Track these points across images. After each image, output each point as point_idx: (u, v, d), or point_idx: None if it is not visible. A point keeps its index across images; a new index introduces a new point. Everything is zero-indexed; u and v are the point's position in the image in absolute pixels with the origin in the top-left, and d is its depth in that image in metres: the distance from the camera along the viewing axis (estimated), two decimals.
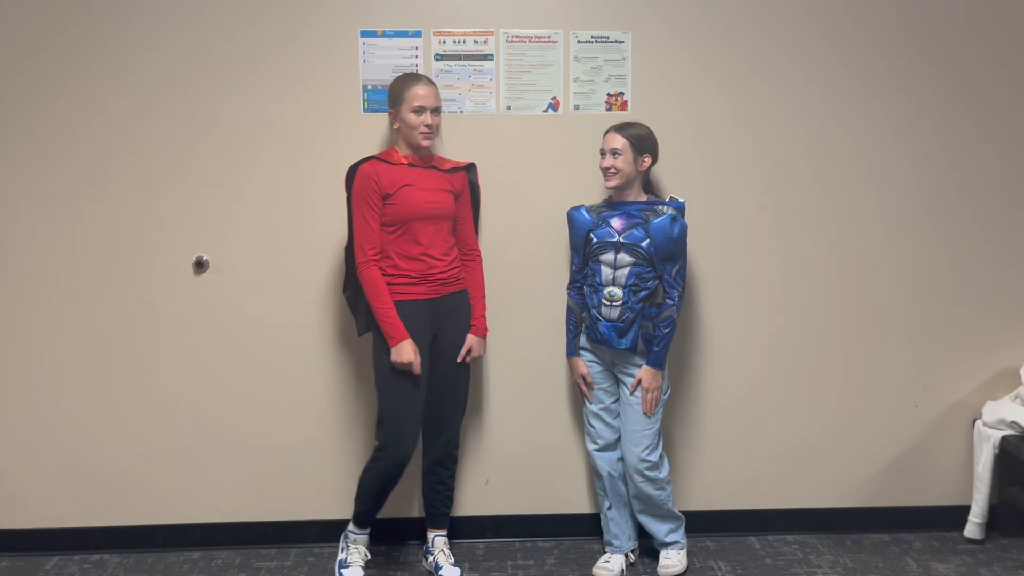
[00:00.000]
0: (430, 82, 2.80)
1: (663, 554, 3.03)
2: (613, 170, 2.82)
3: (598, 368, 2.98)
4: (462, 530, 3.23)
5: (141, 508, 3.17)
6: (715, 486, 3.26)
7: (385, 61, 2.99)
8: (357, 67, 2.99)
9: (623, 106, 3.06)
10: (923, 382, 3.24)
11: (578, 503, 3.25)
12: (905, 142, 3.12)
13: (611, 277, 2.84)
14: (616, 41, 3.03)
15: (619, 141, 2.81)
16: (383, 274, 2.79)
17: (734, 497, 3.27)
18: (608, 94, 3.06)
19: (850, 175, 3.13)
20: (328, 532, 3.15)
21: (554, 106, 3.05)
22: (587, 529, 3.23)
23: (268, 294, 3.08)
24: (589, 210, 2.92)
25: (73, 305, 3.06)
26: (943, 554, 3.13)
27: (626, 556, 3.05)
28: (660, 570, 2.99)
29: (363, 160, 2.79)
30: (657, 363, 2.87)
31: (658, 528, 3.01)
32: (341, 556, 2.97)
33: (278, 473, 3.18)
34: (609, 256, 2.84)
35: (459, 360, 2.93)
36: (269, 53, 2.98)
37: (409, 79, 2.79)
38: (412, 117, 2.74)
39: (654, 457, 2.92)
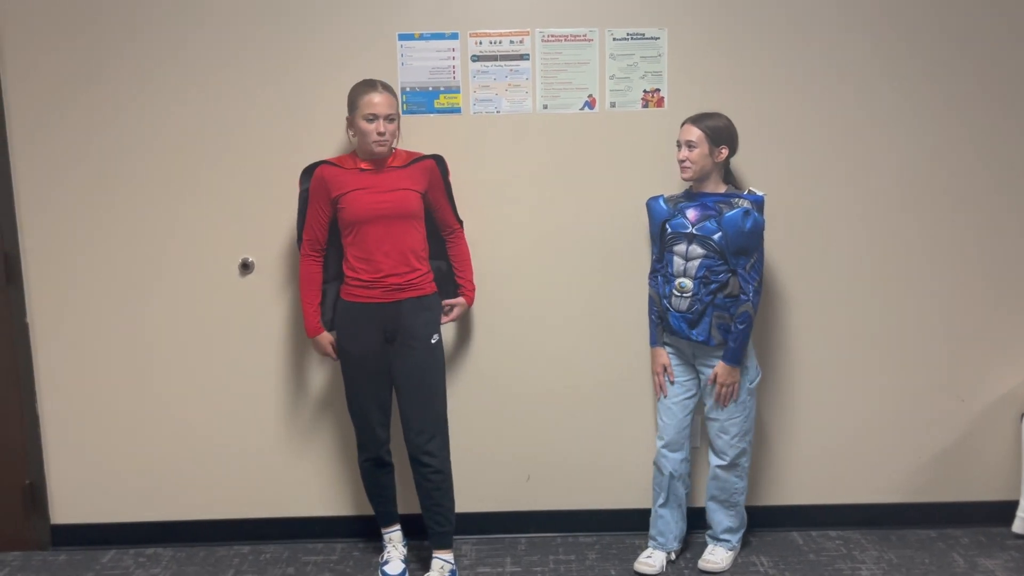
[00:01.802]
0: (385, 88, 2.77)
1: (710, 548, 3.04)
2: (688, 163, 2.80)
3: (676, 361, 2.98)
4: (503, 525, 3.26)
5: (192, 503, 3.26)
6: (756, 481, 3.25)
7: (423, 63, 3.03)
8: (395, 69, 3.03)
9: (659, 103, 3.06)
10: (968, 375, 3.20)
11: (620, 499, 3.26)
12: (940, 135, 3.07)
13: (682, 268, 2.84)
14: (652, 38, 3.03)
15: (695, 133, 2.79)
16: (346, 275, 2.85)
17: (776, 492, 3.26)
18: (644, 91, 3.06)
19: (886, 169, 3.10)
20: (373, 527, 3.21)
21: (590, 104, 3.07)
22: (629, 524, 3.24)
23: None
24: (667, 200, 2.91)
25: (124, 307, 3.15)
26: (990, 549, 3.09)
27: (668, 555, 3.05)
28: (702, 564, 3.00)
29: (320, 163, 2.84)
30: (733, 359, 2.85)
31: (720, 519, 3.01)
32: (381, 557, 3.04)
33: (325, 469, 3.25)
34: (681, 247, 2.84)
35: (445, 319, 2.98)
36: (310, 57, 3.03)
37: (363, 86, 2.78)
38: (364, 124, 2.74)
39: (743, 444, 2.93)
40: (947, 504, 3.25)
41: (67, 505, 3.26)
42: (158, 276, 3.14)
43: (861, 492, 3.26)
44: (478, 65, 3.05)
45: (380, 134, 2.74)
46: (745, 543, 3.16)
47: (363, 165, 2.82)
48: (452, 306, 3.01)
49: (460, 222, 3.00)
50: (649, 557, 3.01)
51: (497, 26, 3.03)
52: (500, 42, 3.04)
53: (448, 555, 2.95)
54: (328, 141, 3.05)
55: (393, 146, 2.83)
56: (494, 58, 3.04)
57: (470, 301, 3.05)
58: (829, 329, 3.18)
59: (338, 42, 3.02)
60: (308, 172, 2.87)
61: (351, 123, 2.80)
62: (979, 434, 3.22)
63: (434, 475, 2.88)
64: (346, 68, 3.02)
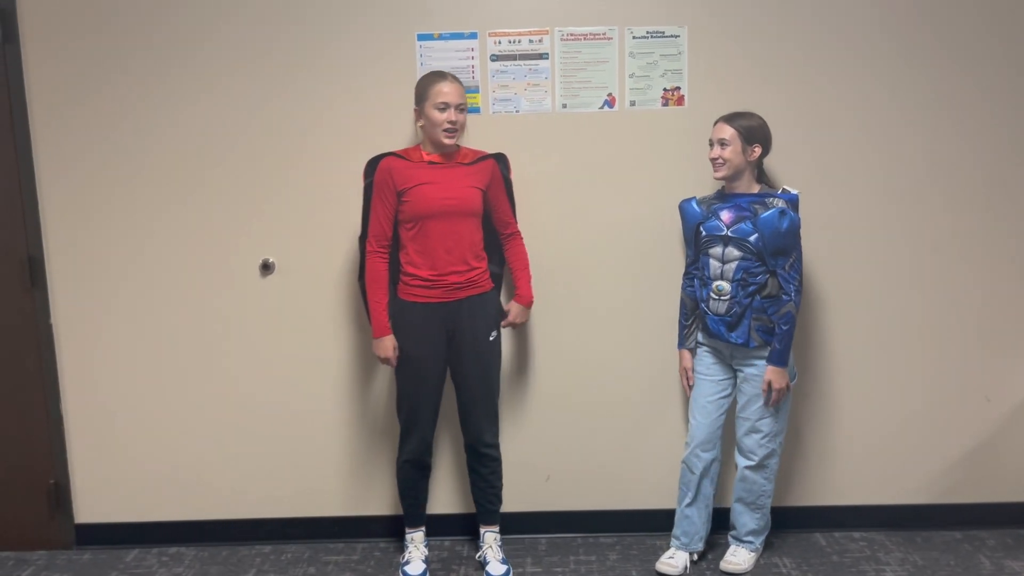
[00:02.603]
0: (455, 79, 2.80)
1: (732, 549, 3.02)
2: (720, 160, 2.78)
3: (712, 360, 2.95)
4: (524, 525, 3.26)
5: (215, 503, 3.28)
6: (779, 482, 3.21)
7: (442, 63, 3.03)
8: (414, 70, 3.03)
9: (679, 101, 3.04)
10: (994, 374, 3.16)
11: (642, 499, 3.25)
12: (969, 132, 3.04)
13: (719, 271, 2.82)
14: (672, 36, 3.01)
15: (727, 131, 2.77)
16: (403, 272, 2.84)
17: (799, 493, 3.23)
18: (664, 89, 3.04)
19: (916, 166, 3.06)
20: (394, 527, 3.22)
21: (610, 103, 3.05)
22: (650, 525, 3.23)
23: (332, 294, 3.15)
24: (700, 202, 2.89)
25: (147, 308, 3.17)
26: (1017, 551, 3.05)
27: (690, 555, 3.03)
28: (723, 565, 2.98)
29: (385, 154, 2.83)
30: (780, 361, 2.82)
31: (744, 521, 2.99)
32: (402, 556, 3.05)
33: (345, 469, 3.26)
34: (717, 250, 2.82)
35: (503, 325, 2.97)
36: (329, 57, 3.03)
37: (434, 76, 2.80)
38: (436, 114, 2.75)
39: (773, 444, 2.91)
40: (973, 505, 3.21)
41: (91, 504, 3.28)
42: (180, 277, 3.16)
43: (886, 493, 3.23)
44: (497, 65, 3.04)
45: (452, 123, 2.76)
46: (768, 544, 3.14)
47: (429, 158, 2.82)
48: (509, 309, 3.01)
49: (516, 222, 3.01)
50: (671, 558, 2.99)
51: (516, 25, 3.02)
52: (519, 41, 3.03)
53: (496, 528, 3.08)
54: (346, 140, 3.06)
55: (460, 140, 2.84)
56: (513, 57, 3.04)
57: (527, 302, 3.03)
58: (855, 330, 3.15)
59: (357, 42, 3.03)
60: (372, 165, 2.85)
61: (420, 114, 2.80)
62: (1006, 434, 3.18)
63: (492, 463, 3.01)
64: (365, 68, 3.03)
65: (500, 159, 2.93)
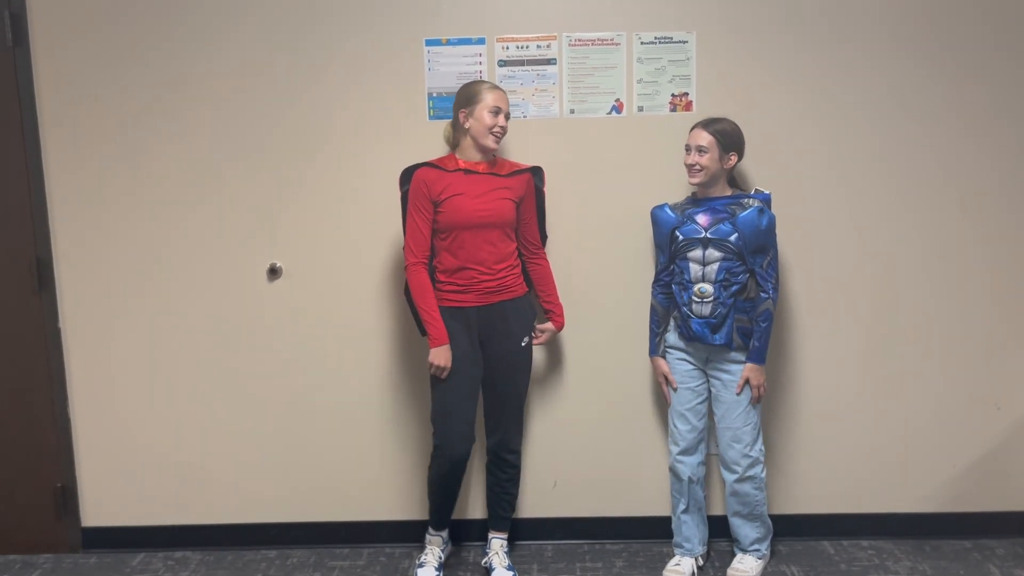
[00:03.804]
0: (502, 88, 2.86)
1: (738, 557, 3.00)
2: (698, 167, 2.79)
3: (689, 366, 2.95)
4: (530, 531, 3.25)
5: (222, 507, 3.28)
6: (788, 489, 3.21)
7: (449, 69, 3.03)
8: (422, 75, 3.04)
9: (688, 106, 3.04)
10: (1005, 382, 3.13)
11: (647, 506, 3.23)
12: (982, 139, 3.03)
13: (700, 273, 2.82)
14: (680, 41, 3.01)
15: (705, 138, 2.78)
16: (436, 279, 2.84)
17: (807, 501, 3.22)
18: (672, 95, 3.04)
19: (926, 174, 3.05)
20: (400, 532, 3.22)
21: (617, 108, 3.05)
22: (656, 532, 3.21)
23: (338, 298, 3.15)
24: (673, 208, 2.90)
25: (155, 312, 3.18)
26: None
27: (695, 560, 3.02)
28: (731, 572, 2.96)
29: (420, 164, 2.83)
30: (760, 358, 2.84)
31: (746, 532, 2.98)
32: (418, 558, 3.04)
33: (351, 473, 3.25)
34: (697, 253, 2.82)
35: (535, 342, 2.98)
36: (335, 63, 3.04)
37: (484, 83, 2.82)
38: (489, 118, 2.77)
39: (755, 452, 2.90)
40: (983, 514, 3.19)
41: (98, 508, 3.29)
42: (188, 281, 3.16)
43: (895, 501, 3.20)
44: (505, 70, 3.04)
45: (502, 128, 2.79)
46: (775, 552, 3.12)
47: (465, 165, 2.83)
48: (542, 331, 3.01)
49: (544, 238, 3.00)
50: (678, 564, 2.98)
51: (524, 31, 3.02)
52: (527, 47, 3.03)
53: (505, 535, 3.09)
54: (353, 145, 3.06)
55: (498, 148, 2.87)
56: (521, 63, 3.04)
57: (560, 326, 3.04)
58: (866, 336, 3.13)
59: (366, 47, 3.03)
60: (408, 174, 2.85)
61: (467, 116, 2.80)
62: (1017, 443, 3.15)
63: (512, 469, 3.02)
64: (373, 72, 3.03)
65: (536, 172, 2.94)
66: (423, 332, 2.92)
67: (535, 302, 3.04)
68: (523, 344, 2.93)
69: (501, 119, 2.78)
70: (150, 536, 3.29)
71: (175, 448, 3.25)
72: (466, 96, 2.81)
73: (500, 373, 2.92)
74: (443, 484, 2.94)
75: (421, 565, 3.00)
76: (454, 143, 2.89)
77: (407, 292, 2.91)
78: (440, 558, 3.04)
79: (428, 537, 3.06)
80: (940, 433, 3.17)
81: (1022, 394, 3.13)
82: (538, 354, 3.16)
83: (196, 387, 3.22)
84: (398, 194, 2.96)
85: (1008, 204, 3.06)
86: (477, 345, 2.88)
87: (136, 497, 3.27)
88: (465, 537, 3.25)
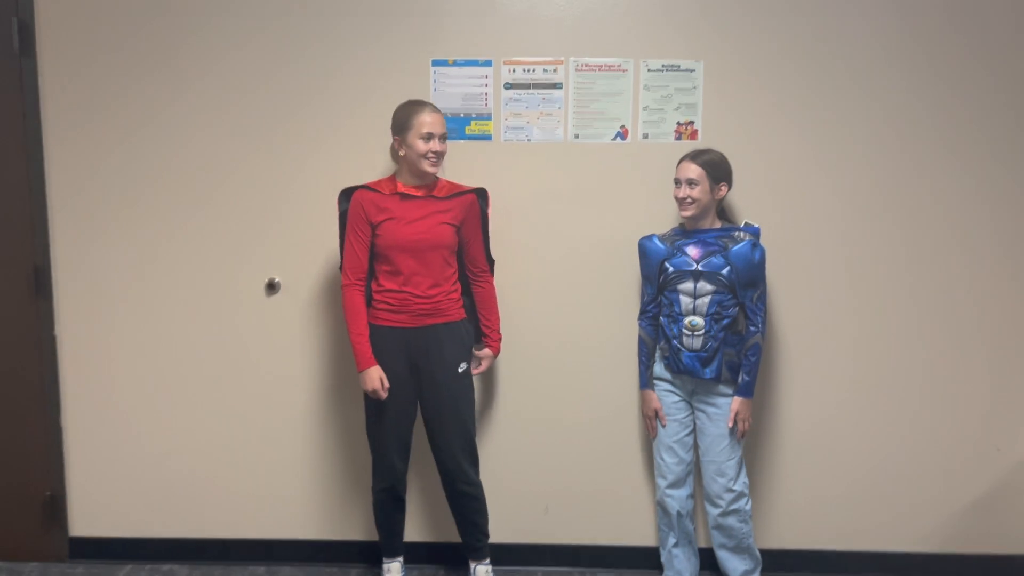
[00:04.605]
0: (435, 109, 2.78)
1: None
2: (689, 200, 2.78)
3: (675, 399, 2.93)
4: (520, 557, 3.22)
5: (210, 521, 3.25)
6: (782, 524, 3.17)
7: (456, 90, 3.03)
8: (428, 95, 3.03)
9: (693, 135, 3.02)
10: (1006, 424, 3.10)
11: (639, 535, 3.20)
12: (984, 174, 3.00)
13: (691, 306, 2.80)
14: (687, 70, 2.99)
15: (695, 171, 2.77)
16: (374, 297, 2.82)
17: (800, 536, 3.18)
18: (678, 123, 3.02)
19: (924, 207, 3.03)
20: None
21: (622, 135, 3.04)
22: (648, 562, 3.18)
23: (337, 315, 3.13)
24: (662, 239, 2.88)
25: (151, 323, 3.17)
26: None
27: None
28: None
29: (358, 186, 2.81)
30: (749, 392, 2.82)
31: (734, 566, 2.94)
32: None
33: (343, 492, 3.23)
34: (688, 285, 2.81)
35: (474, 372, 2.93)
36: (344, 79, 3.03)
37: (416, 105, 2.78)
38: (420, 144, 2.73)
39: (739, 486, 2.87)
40: (979, 556, 3.15)
41: (86, 518, 3.27)
42: (185, 294, 3.15)
43: (889, 540, 3.17)
44: (511, 93, 3.03)
45: (435, 153, 2.74)
46: None
47: (403, 189, 2.80)
48: (481, 358, 2.97)
49: (491, 263, 2.95)
50: None
51: (531, 54, 3.01)
52: (534, 70, 3.02)
53: (487, 561, 3.01)
54: (360, 164, 3.05)
55: (438, 171, 2.82)
56: (527, 86, 3.03)
57: (496, 351, 3.00)
58: (865, 371, 3.10)
59: (372, 66, 3.03)
60: (346, 194, 2.84)
61: (400, 143, 2.78)
62: (1015, 485, 3.12)
63: (472, 501, 2.94)
64: (379, 92, 3.02)
65: (480, 194, 2.90)
66: None
67: (474, 327, 2.97)
68: (460, 370, 2.87)
69: (435, 144, 2.73)
70: (138, 548, 3.27)
71: (167, 460, 3.23)
72: (398, 122, 2.78)
73: (439, 401, 2.85)
74: (381, 509, 2.95)
75: None
76: (394, 165, 2.86)
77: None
78: None
79: (384, 565, 3.03)
80: (936, 472, 3.13)
81: (1022, 436, 3.10)
82: (533, 379, 3.14)
83: (190, 400, 3.20)
84: (336, 212, 2.93)
85: (1003, 240, 3.03)
86: (411, 369, 2.84)
87: (125, 508, 3.25)
88: (442, 560, 3.21)
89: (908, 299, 3.07)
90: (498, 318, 2.98)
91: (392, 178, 2.84)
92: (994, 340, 3.07)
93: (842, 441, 3.13)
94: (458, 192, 2.85)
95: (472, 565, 3.02)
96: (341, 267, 2.84)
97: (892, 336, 3.09)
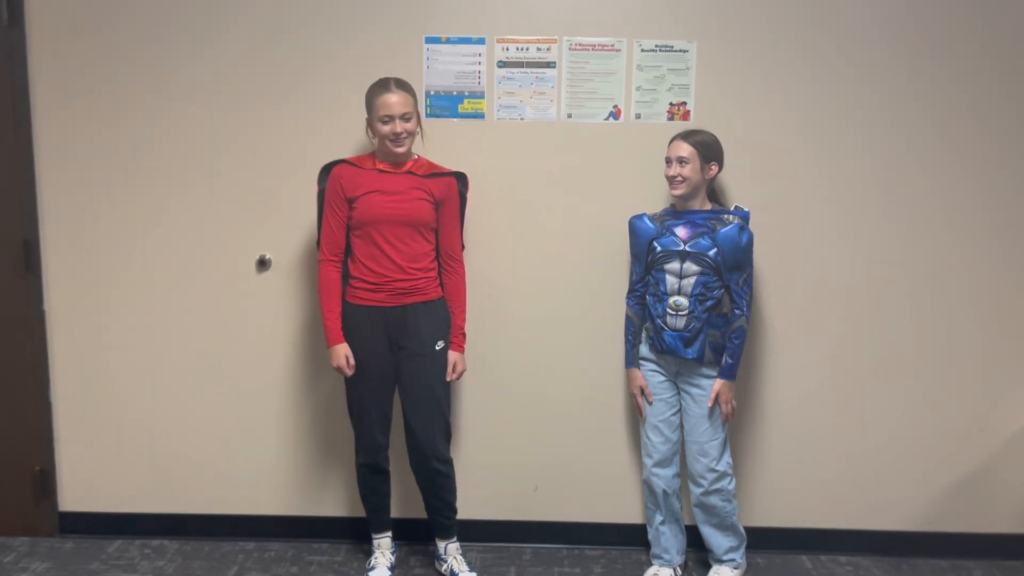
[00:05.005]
0: (399, 86, 2.75)
1: (714, 569, 3.01)
2: (680, 178, 2.79)
3: (661, 378, 2.95)
4: (509, 534, 3.25)
5: (200, 497, 3.26)
6: (767, 502, 3.21)
7: (448, 67, 3.02)
8: (421, 73, 3.02)
9: (685, 116, 3.03)
10: (989, 405, 3.14)
11: (628, 513, 3.23)
12: (975, 158, 3.03)
13: (676, 286, 2.82)
14: (680, 50, 3.00)
15: (686, 149, 2.78)
16: (350, 275, 2.82)
17: (786, 514, 3.22)
18: (671, 103, 3.03)
19: (916, 191, 3.05)
20: None
21: (615, 115, 3.04)
22: (636, 539, 3.21)
23: None
24: (652, 218, 2.90)
25: (141, 299, 3.16)
26: None
27: (674, 570, 3.02)
28: None
29: (336, 162, 2.82)
30: (732, 375, 2.85)
31: (719, 542, 2.98)
32: (368, 562, 3.04)
33: (333, 469, 3.24)
34: (674, 265, 2.82)
35: (448, 380, 2.90)
36: (335, 57, 3.02)
37: (377, 87, 2.76)
38: (380, 127, 2.73)
39: (722, 467, 2.90)
40: (962, 535, 3.20)
41: (76, 493, 3.27)
42: (175, 270, 3.14)
43: (874, 518, 3.21)
44: (504, 71, 3.03)
45: (396, 134, 2.73)
46: (754, 564, 3.13)
47: (381, 166, 2.81)
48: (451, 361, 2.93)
49: (462, 248, 2.94)
50: (656, 574, 2.98)
51: (525, 33, 3.01)
52: (527, 49, 3.02)
53: (455, 539, 3.04)
54: (350, 141, 3.05)
55: (411, 148, 2.81)
56: (520, 65, 3.02)
57: (461, 350, 2.93)
58: (847, 351, 3.13)
59: (364, 43, 3.01)
60: (325, 171, 2.84)
61: (368, 126, 2.80)
62: (998, 465, 3.16)
63: (444, 479, 2.94)
64: (371, 69, 3.01)
65: (460, 178, 2.90)
66: None
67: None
68: (437, 348, 2.87)
69: (396, 125, 2.71)
70: (128, 523, 3.27)
71: (156, 436, 3.23)
72: (367, 104, 2.78)
73: (416, 378, 2.85)
74: (365, 484, 2.97)
75: (372, 568, 2.99)
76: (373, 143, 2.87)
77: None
78: (391, 560, 3.03)
79: (374, 540, 3.04)
80: (921, 453, 3.17)
81: (1006, 417, 3.14)
82: (522, 358, 3.16)
83: (180, 375, 3.20)
84: (316, 190, 2.92)
85: (992, 224, 3.06)
86: (389, 347, 2.84)
87: (115, 483, 3.26)
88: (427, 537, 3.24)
89: (894, 283, 3.10)
90: (464, 312, 2.94)
91: (372, 155, 2.84)
92: (976, 322, 3.11)
93: (827, 421, 3.17)
94: (437, 172, 2.85)
95: (442, 544, 3.03)
96: (318, 243, 2.85)
97: (877, 319, 3.11)
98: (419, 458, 2.90)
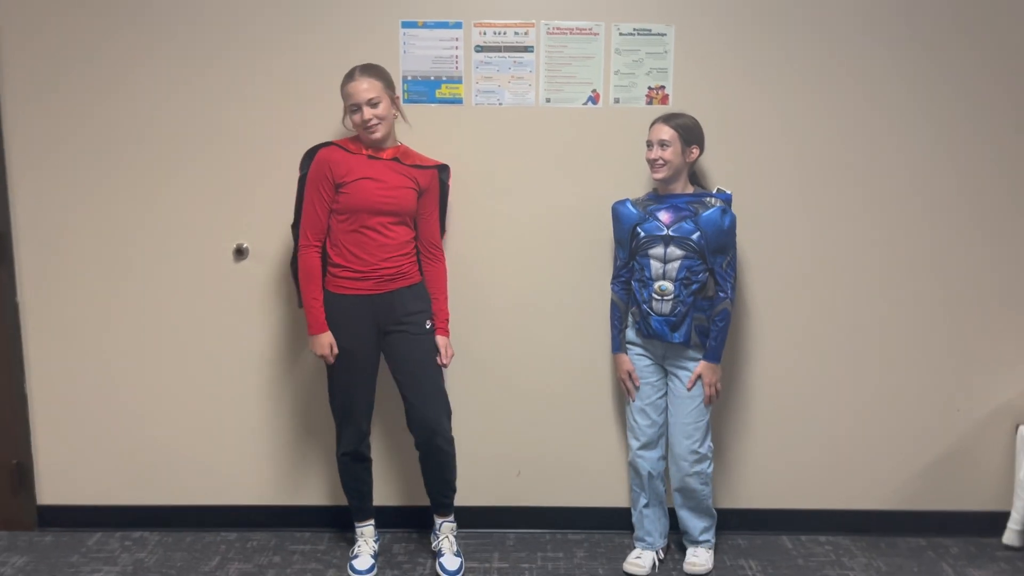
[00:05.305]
0: (364, 72, 2.71)
1: (691, 551, 3.03)
2: (661, 161, 2.79)
3: (647, 362, 2.96)
4: (492, 520, 3.25)
5: (180, 488, 3.24)
6: (748, 484, 3.24)
7: (425, 52, 2.99)
8: (397, 57, 2.99)
9: (664, 99, 3.02)
10: (965, 385, 3.18)
11: (610, 497, 3.25)
12: (950, 142, 3.04)
13: (661, 271, 2.82)
14: (658, 34, 2.98)
15: (667, 132, 2.78)
16: (331, 263, 2.79)
17: (767, 496, 3.25)
18: (649, 87, 3.02)
19: (892, 175, 3.07)
20: None
21: (594, 99, 3.03)
22: (618, 523, 3.23)
23: None
24: (635, 203, 2.89)
25: (116, 289, 3.12)
26: (980, 560, 3.08)
27: (656, 553, 3.04)
28: (687, 568, 2.99)
29: (323, 144, 2.79)
30: (715, 357, 2.86)
31: (695, 524, 3.00)
32: (351, 551, 3.03)
33: (314, 457, 3.23)
34: (658, 250, 2.82)
35: (440, 363, 2.92)
36: (309, 42, 2.98)
37: (346, 77, 2.73)
38: (351, 117, 2.73)
39: (704, 449, 2.92)
40: (938, 513, 3.24)
41: (54, 486, 3.24)
42: (151, 259, 3.11)
43: (852, 498, 3.25)
44: (481, 56, 3.00)
45: (365, 122, 2.71)
46: (735, 546, 3.15)
47: (368, 151, 2.78)
48: (440, 349, 2.94)
49: (443, 236, 2.94)
50: (639, 558, 3.00)
51: (502, 17, 2.98)
52: (504, 33, 2.99)
53: (451, 518, 3.06)
54: (327, 128, 3.01)
55: (392, 132, 2.78)
56: (498, 49, 3.00)
57: (446, 333, 2.96)
58: (826, 334, 3.15)
59: (339, 28, 2.98)
60: (309, 155, 2.81)
61: (344, 116, 2.80)
62: (973, 444, 3.20)
63: (447, 457, 2.96)
64: (346, 54, 2.97)
65: (442, 168, 2.90)
66: (301, 305, 2.86)
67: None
68: (427, 327, 2.89)
69: (365, 113, 2.69)
70: (107, 515, 3.25)
71: (135, 427, 3.20)
72: (341, 95, 2.77)
73: (413, 359, 2.86)
74: (349, 473, 2.96)
75: (355, 557, 2.98)
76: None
77: (293, 270, 2.89)
78: (374, 548, 3.03)
79: (357, 529, 3.04)
80: (899, 433, 3.21)
81: (982, 396, 3.18)
82: (503, 341, 3.16)
83: (157, 366, 3.17)
84: (297, 175, 2.89)
85: (969, 206, 3.08)
86: (376, 334, 2.84)
87: (94, 475, 3.23)
88: (404, 524, 3.23)
89: (869, 265, 3.11)
90: (446, 299, 2.96)
91: (356, 138, 2.82)
92: (951, 303, 3.14)
93: (805, 404, 3.19)
94: (421, 165, 2.85)
95: (439, 521, 3.04)
96: (295, 228, 2.82)
97: (852, 302, 3.14)
98: (425, 435, 2.90)
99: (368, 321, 2.81)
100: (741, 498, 3.24)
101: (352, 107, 2.71)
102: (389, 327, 2.84)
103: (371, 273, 2.78)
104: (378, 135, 2.73)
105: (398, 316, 2.83)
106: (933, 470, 3.22)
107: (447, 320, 2.96)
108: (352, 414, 2.88)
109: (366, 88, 2.70)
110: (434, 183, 2.88)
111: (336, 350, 2.81)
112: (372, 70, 2.74)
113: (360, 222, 2.75)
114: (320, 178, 2.75)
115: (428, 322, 2.89)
